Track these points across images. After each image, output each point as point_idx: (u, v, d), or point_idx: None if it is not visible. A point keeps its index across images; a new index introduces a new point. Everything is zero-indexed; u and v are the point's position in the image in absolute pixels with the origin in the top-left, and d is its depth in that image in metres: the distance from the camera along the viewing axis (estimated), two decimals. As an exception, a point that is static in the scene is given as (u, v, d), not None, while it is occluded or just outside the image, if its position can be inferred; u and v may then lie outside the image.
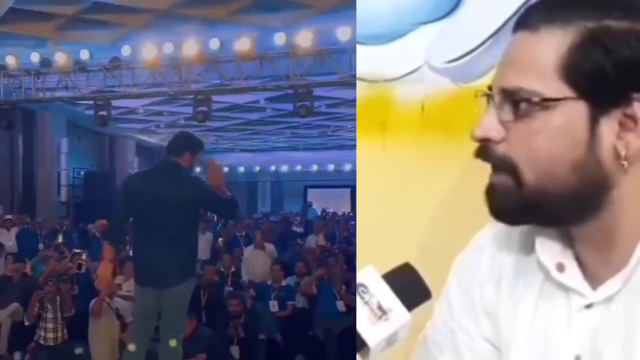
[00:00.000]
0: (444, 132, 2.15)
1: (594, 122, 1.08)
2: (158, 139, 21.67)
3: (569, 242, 1.20)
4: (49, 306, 6.61)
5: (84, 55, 12.43)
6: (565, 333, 1.20)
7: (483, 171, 1.19)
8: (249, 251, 9.80)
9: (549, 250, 1.22)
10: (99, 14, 11.90)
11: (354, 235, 6.11)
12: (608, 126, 1.08)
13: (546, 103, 1.09)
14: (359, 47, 2.29)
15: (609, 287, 1.15)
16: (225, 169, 22.03)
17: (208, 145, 20.51)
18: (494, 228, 1.34)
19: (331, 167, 25.58)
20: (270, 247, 9.84)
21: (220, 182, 4.37)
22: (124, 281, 7.02)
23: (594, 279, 1.18)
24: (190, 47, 11.54)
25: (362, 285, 1.24)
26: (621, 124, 1.08)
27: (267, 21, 11.87)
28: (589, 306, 1.18)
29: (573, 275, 1.19)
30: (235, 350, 6.76)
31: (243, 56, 11.39)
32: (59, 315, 6.64)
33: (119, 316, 6.53)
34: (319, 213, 21.45)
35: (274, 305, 7.72)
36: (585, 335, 1.18)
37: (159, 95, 13.48)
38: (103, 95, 12.73)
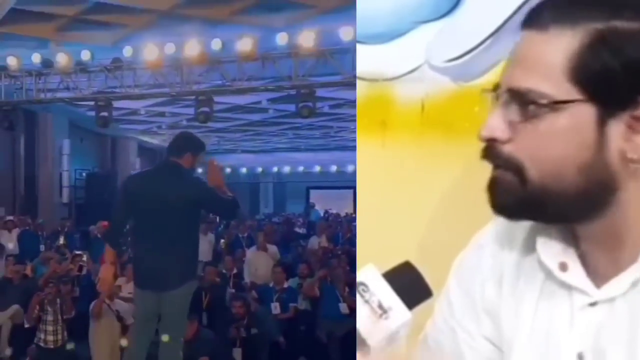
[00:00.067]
0: (444, 131, 2.15)
1: (601, 124, 1.08)
2: (160, 140, 21.66)
3: (572, 240, 1.19)
4: (49, 308, 6.59)
5: (86, 56, 12.44)
6: (568, 331, 1.20)
7: (483, 170, 1.18)
8: (251, 253, 9.76)
9: (551, 250, 1.21)
10: (100, 14, 11.89)
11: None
12: (616, 128, 1.07)
13: (555, 105, 1.08)
14: (359, 46, 2.29)
15: (614, 285, 1.15)
16: (228, 170, 22.13)
17: (210, 147, 20.53)
18: (495, 226, 1.34)
19: (334, 168, 25.56)
20: (272, 248, 9.81)
21: (220, 183, 4.32)
22: (125, 283, 7.01)
23: (597, 277, 1.17)
24: (192, 48, 11.54)
25: (363, 283, 1.23)
26: (629, 127, 1.07)
27: (269, 21, 11.84)
28: (592, 304, 1.17)
29: (577, 274, 1.19)
30: (237, 353, 6.73)
31: (245, 57, 11.38)
32: (59, 317, 6.61)
33: (120, 318, 6.51)
34: (322, 214, 21.44)
35: (276, 307, 7.67)
36: (588, 333, 1.17)
37: (161, 96, 13.47)
38: (104, 96, 12.72)
